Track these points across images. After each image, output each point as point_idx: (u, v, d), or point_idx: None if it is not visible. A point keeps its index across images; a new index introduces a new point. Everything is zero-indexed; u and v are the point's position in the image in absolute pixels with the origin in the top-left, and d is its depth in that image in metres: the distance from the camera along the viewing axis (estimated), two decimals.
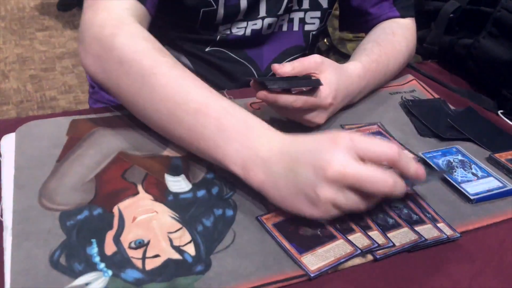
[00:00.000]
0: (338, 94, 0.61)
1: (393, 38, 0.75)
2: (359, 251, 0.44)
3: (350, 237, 0.46)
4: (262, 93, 0.56)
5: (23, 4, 2.91)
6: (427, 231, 0.48)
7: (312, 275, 0.42)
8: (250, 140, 0.47)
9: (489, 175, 0.57)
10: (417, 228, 0.48)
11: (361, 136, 0.44)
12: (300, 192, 0.44)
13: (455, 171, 0.57)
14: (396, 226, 0.48)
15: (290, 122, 0.61)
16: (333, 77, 0.60)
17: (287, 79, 0.57)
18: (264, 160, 0.46)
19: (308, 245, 0.45)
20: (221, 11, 0.72)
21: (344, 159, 0.42)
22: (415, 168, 0.46)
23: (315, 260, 0.44)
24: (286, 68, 0.58)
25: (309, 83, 0.58)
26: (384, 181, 0.43)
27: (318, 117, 0.60)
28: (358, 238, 0.46)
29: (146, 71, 0.52)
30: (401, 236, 0.47)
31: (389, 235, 0.47)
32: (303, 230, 0.46)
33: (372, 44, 0.73)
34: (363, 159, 0.43)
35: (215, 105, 0.50)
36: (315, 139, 0.46)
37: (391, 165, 0.44)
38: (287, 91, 0.56)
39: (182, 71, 0.53)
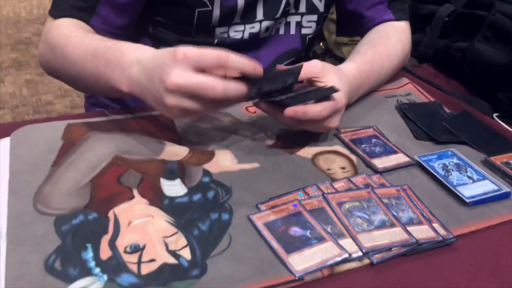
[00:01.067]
0: (345, 95, 0.61)
1: (388, 41, 0.76)
2: (347, 254, 0.44)
3: (340, 242, 0.46)
4: (291, 110, 0.55)
5: (19, 8, 2.90)
6: (423, 232, 0.48)
7: (297, 275, 0.42)
8: (125, 64, 0.56)
9: (484, 178, 0.57)
10: (413, 228, 0.48)
11: (194, 49, 0.49)
12: (156, 100, 0.52)
13: (450, 174, 0.57)
14: (390, 225, 0.48)
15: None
16: (337, 79, 0.60)
17: (301, 93, 0.56)
18: (133, 77, 0.55)
19: (296, 245, 0.45)
20: (216, 12, 0.72)
21: (178, 72, 0.49)
22: (248, 63, 0.50)
23: (302, 261, 0.44)
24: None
25: (325, 92, 0.57)
26: (214, 86, 0.48)
27: (334, 121, 0.59)
28: (348, 244, 0.46)
29: (62, 48, 0.64)
30: (392, 235, 0.47)
31: (379, 232, 0.47)
32: (293, 230, 0.46)
33: (366, 47, 0.73)
34: (199, 69, 0.49)
35: (102, 47, 0.60)
36: (162, 55, 0.52)
37: (224, 66, 0.49)
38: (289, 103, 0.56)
39: (82, 37, 0.63)
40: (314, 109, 0.56)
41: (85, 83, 0.64)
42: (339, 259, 0.44)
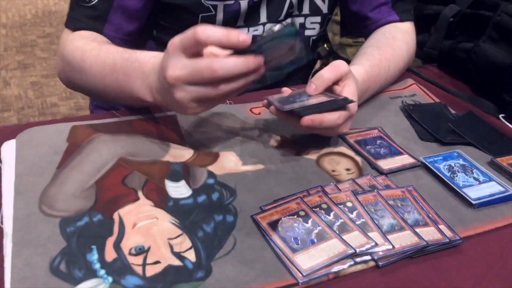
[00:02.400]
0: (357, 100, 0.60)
1: (393, 43, 0.75)
2: (352, 250, 0.44)
3: (346, 236, 0.46)
4: (308, 119, 0.54)
5: (24, 11, 2.92)
6: (429, 233, 0.48)
7: (304, 273, 0.42)
8: (143, 74, 0.56)
9: (490, 179, 0.57)
10: (419, 230, 0.48)
11: (178, 35, 0.48)
12: (171, 101, 0.51)
13: (456, 176, 0.57)
14: (399, 228, 0.48)
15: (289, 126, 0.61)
16: (355, 85, 0.60)
17: (316, 105, 0.56)
18: (152, 85, 0.55)
19: (301, 244, 0.45)
20: (220, 16, 0.72)
21: (173, 63, 0.48)
22: (221, 33, 0.46)
23: (308, 259, 0.43)
24: (322, 86, 0.57)
25: (340, 104, 0.56)
26: (207, 66, 0.46)
27: (345, 127, 0.59)
28: (356, 237, 0.46)
29: (79, 63, 0.64)
30: (402, 239, 0.47)
31: (390, 237, 0.47)
32: (297, 229, 0.46)
33: (373, 49, 0.73)
34: (191, 53, 0.48)
35: (119, 59, 0.59)
36: (162, 54, 0.52)
37: (200, 43, 0.47)
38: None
39: (97, 51, 0.63)
40: (330, 118, 0.55)
41: (107, 96, 0.64)
42: (345, 255, 0.44)
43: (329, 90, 0.59)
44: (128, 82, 0.57)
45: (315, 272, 0.43)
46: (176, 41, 0.48)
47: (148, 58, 0.56)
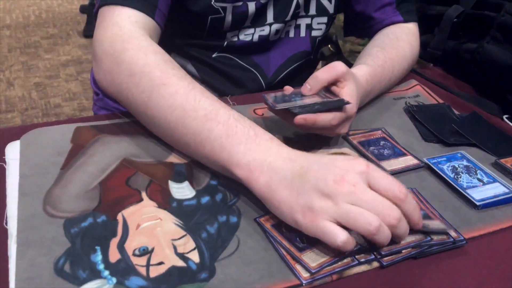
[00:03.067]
0: (356, 102, 0.60)
1: (398, 43, 0.75)
2: (358, 246, 0.44)
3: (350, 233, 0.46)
4: (301, 118, 0.54)
5: (28, 12, 2.93)
6: (436, 224, 0.47)
7: (312, 270, 0.42)
8: (258, 145, 0.48)
9: (495, 180, 0.57)
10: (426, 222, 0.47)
11: (376, 167, 0.45)
12: (301, 198, 0.44)
13: (460, 177, 0.57)
14: None
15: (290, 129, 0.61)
16: (354, 87, 0.59)
17: (310, 105, 0.56)
18: (272, 165, 0.47)
19: (307, 243, 0.45)
20: (229, 18, 0.72)
21: (355, 179, 0.43)
22: (418, 218, 0.45)
23: (315, 257, 0.43)
24: (316, 86, 0.57)
25: (335, 105, 0.57)
26: (390, 208, 0.42)
27: (343, 128, 0.59)
28: (359, 235, 0.46)
29: (156, 81, 0.53)
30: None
31: None
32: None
33: (377, 49, 0.73)
34: (371, 187, 0.43)
35: (223, 113, 0.51)
36: (330, 157, 0.47)
37: (396, 203, 0.43)
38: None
39: (191, 82, 0.54)
40: (324, 118, 0.55)
41: (171, 132, 0.54)
42: (353, 251, 0.43)
43: (328, 90, 0.59)
44: (226, 141, 0.49)
45: (323, 270, 0.43)
46: (375, 173, 0.43)
47: (271, 138, 0.50)
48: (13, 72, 2.28)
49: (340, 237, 0.41)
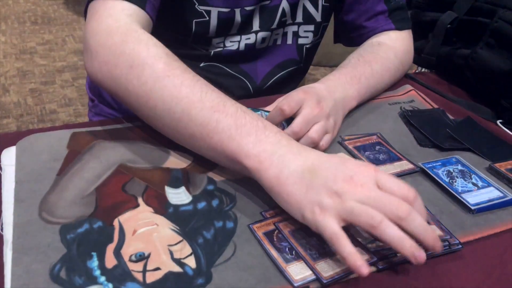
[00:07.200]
0: (308, 115, 0.58)
1: (379, 48, 0.75)
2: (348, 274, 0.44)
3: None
4: None
5: (23, 18, 2.93)
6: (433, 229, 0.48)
7: (295, 284, 0.42)
8: (268, 136, 0.48)
9: (489, 185, 0.57)
10: None
11: (384, 171, 0.45)
12: (309, 194, 0.44)
13: (455, 181, 0.57)
14: None
15: None
16: (308, 110, 0.58)
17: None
18: (282, 158, 0.47)
19: (295, 255, 0.45)
20: (214, 23, 0.72)
21: (364, 180, 0.44)
22: (425, 218, 0.44)
23: (300, 270, 0.43)
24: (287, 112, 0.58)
25: None
26: (399, 202, 0.42)
27: (323, 141, 0.59)
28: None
29: (159, 73, 0.52)
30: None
31: None
32: (291, 240, 0.46)
33: (352, 56, 0.73)
34: (380, 188, 0.44)
35: (231, 105, 0.51)
36: (340, 157, 0.47)
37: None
38: None
39: (195, 75, 0.54)
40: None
41: (174, 124, 0.53)
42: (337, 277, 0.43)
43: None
44: (236, 132, 0.49)
45: (308, 283, 0.43)
46: (384, 176, 0.44)
47: (282, 132, 0.50)
48: (8, 78, 2.27)
49: (347, 248, 0.42)
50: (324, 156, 0.48)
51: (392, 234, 0.42)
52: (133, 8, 0.60)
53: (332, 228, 0.43)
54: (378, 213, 0.42)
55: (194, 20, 0.71)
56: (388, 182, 0.44)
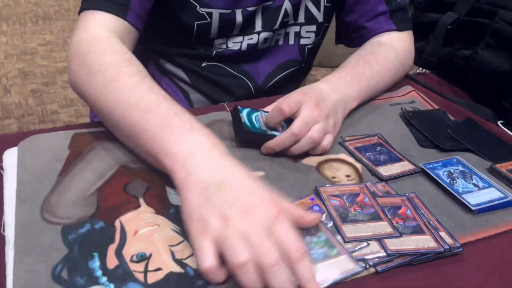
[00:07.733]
0: (308, 116, 0.58)
1: (379, 49, 0.75)
2: (346, 254, 0.44)
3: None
4: (264, 148, 0.59)
5: (24, 19, 2.93)
6: (425, 242, 0.48)
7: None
8: (190, 137, 0.48)
9: (490, 185, 0.57)
10: (415, 237, 0.48)
11: (288, 220, 0.43)
12: (203, 208, 0.43)
13: (456, 182, 0.57)
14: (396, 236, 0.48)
15: None
16: (307, 112, 0.58)
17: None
18: (196, 162, 0.46)
19: None
20: (215, 24, 0.72)
21: (257, 218, 0.41)
22: (305, 282, 0.40)
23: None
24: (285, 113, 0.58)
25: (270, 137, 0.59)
26: (268, 250, 0.40)
27: (325, 141, 0.60)
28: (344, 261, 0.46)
29: (107, 79, 0.55)
30: (419, 242, 0.47)
31: (407, 238, 0.47)
32: None
33: (353, 56, 0.73)
34: (270, 235, 0.41)
35: (165, 107, 0.51)
36: (257, 184, 0.45)
37: (288, 262, 0.40)
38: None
39: (142, 79, 0.55)
40: (271, 144, 0.58)
41: (116, 126, 0.55)
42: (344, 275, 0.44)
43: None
44: (160, 132, 0.49)
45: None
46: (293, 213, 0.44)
47: (209, 136, 0.49)
48: (9, 78, 2.27)
49: (205, 262, 0.41)
50: (240, 176, 0.45)
51: (246, 281, 0.39)
52: (111, 18, 0.62)
53: (204, 251, 0.41)
54: (245, 254, 0.39)
55: (196, 23, 0.72)
56: (280, 231, 0.41)
